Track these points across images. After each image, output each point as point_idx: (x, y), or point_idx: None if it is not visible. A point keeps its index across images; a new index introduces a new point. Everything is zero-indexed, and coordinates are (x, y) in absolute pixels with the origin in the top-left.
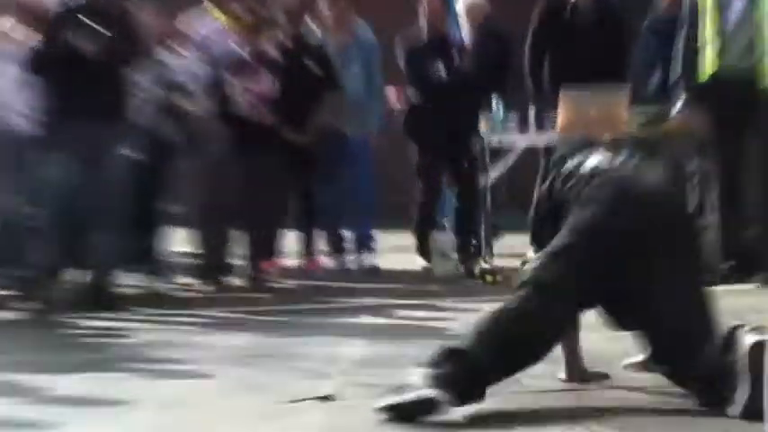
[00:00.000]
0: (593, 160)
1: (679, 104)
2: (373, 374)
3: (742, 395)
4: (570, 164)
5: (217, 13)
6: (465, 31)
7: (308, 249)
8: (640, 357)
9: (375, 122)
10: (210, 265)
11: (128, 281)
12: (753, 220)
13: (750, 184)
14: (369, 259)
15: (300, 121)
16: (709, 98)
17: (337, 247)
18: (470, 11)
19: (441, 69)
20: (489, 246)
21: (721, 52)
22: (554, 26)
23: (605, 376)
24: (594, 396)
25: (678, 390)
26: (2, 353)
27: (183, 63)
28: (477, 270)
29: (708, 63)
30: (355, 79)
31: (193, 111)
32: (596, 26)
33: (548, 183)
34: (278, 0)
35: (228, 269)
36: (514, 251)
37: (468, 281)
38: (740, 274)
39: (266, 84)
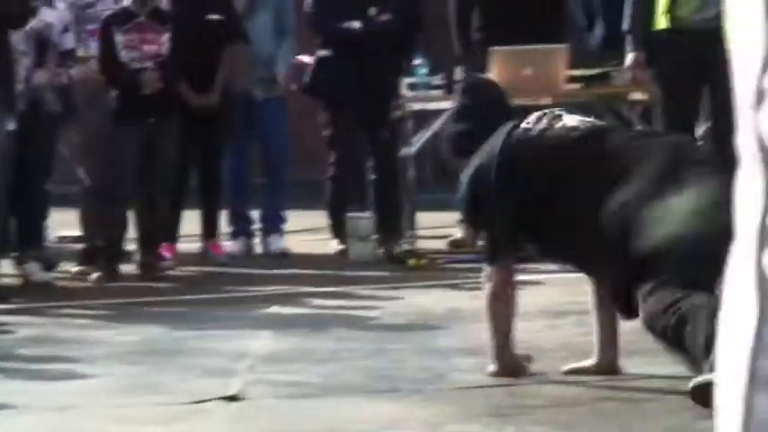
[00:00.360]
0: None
1: (627, 61)
2: (283, 371)
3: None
4: (530, 131)
5: None
6: None
7: (209, 231)
8: (586, 363)
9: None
10: (99, 250)
11: (6, 269)
12: None
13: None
14: (278, 242)
15: (201, 82)
16: (664, 54)
17: (243, 229)
18: None
19: (352, 23)
20: (412, 225)
21: (676, 1)
22: None
23: (529, 358)
24: (528, 392)
25: (615, 383)
26: None
27: (58, 15)
28: (398, 252)
29: (661, 13)
30: (264, 30)
31: (75, 73)
32: None
33: (497, 155)
34: None
35: (121, 255)
36: (440, 231)
37: (388, 265)
38: None
39: (158, 39)
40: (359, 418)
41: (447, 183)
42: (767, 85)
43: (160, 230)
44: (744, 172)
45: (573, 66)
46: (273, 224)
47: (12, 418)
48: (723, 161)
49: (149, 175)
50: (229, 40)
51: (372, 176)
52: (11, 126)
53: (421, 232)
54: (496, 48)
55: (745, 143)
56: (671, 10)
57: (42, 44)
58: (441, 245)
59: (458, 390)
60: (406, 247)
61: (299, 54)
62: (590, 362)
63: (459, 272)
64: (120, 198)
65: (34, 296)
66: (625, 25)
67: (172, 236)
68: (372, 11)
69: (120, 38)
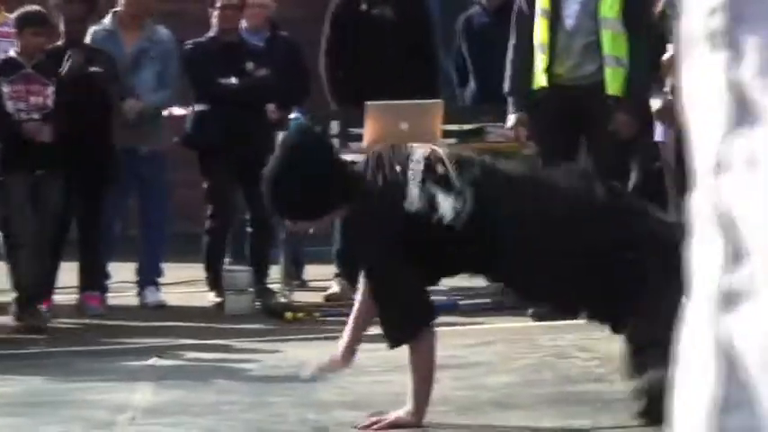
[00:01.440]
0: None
1: (509, 122)
2: (165, 424)
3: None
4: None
5: None
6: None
7: (86, 283)
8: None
9: (167, 135)
10: None
11: None
12: None
13: None
14: (154, 295)
15: (84, 135)
16: (543, 110)
17: (100, 283)
18: (250, 14)
19: (230, 79)
20: (290, 278)
21: (555, 60)
22: (348, 25)
23: None
24: None
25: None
26: None
27: None
28: (275, 305)
29: (539, 72)
30: (148, 86)
31: None
32: (395, 19)
33: (390, 213)
34: None
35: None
36: (318, 284)
37: (265, 318)
38: None
39: (44, 91)
40: None
41: (322, 236)
42: (726, 150)
43: (38, 282)
44: (699, 233)
45: (447, 122)
46: (150, 276)
47: None
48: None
49: (28, 227)
50: (117, 97)
51: (249, 229)
52: None
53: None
54: (371, 103)
55: (700, 206)
56: (549, 69)
57: None
58: (318, 297)
59: None
60: (282, 300)
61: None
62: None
63: (337, 325)
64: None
65: None
66: (506, 87)
67: (49, 287)
68: (250, 66)
69: (6, 89)
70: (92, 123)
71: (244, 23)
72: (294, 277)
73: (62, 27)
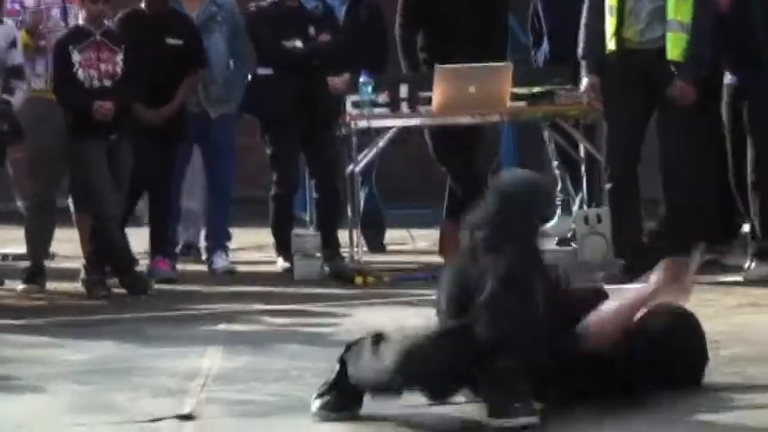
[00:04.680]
0: None
1: (583, 85)
2: (236, 390)
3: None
4: None
5: None
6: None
7: (158, 247)
8: None
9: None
10: (41, 267)
11: None
12: (649, 214)
13: (646, 174)
14: (223, 260)
15: (158, 101)
16: (612, 74)
17: (168, 249)
18: None
19: (294, 42)
20: (369, 243)
21: (624, 23)
22: None
23: None
24: None
25: None
26: None
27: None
28: (344, 270)
29: (609, 36)
30: (219, 52)
31: (23, 91)
32: None
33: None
34: None
35: (130, 266)
36: (396, 247)
37: (334, 282)
38: (631, 273)
39: (113, 58)
40: None
41: (392, 200)
42: None
43: (106, 248)
44: None
45: (518, 84)
46: (219, 242)
47: None
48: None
49: (99, 193)
50: (189, 65)
51: (315, 195)
52: None
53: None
54: (441, 66)
55: None
56: (618, 32)
57: None
58: (388, 259)
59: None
60: (352, 264)
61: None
62: None
63: (407, 288)
64: (105, 214)
65: None
66: (579, 51)
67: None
68: (311, 30)
69: (77, 57)
70: (164, 90)
71: None
72: (374, 242)
73: None
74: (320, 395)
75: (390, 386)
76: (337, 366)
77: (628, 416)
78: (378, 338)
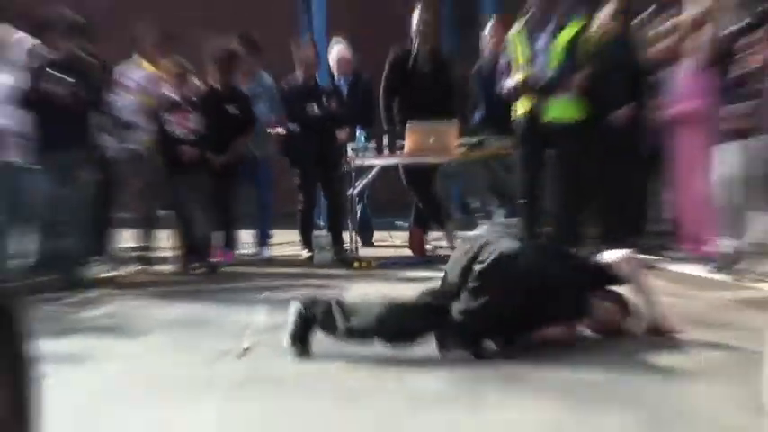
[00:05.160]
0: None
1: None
2: (276, 337)
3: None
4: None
5: (146, 64)
6: (336, 78)
7: (228, 243)
8: None
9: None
10: (150, 256)
11: (91, 269)
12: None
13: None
14: (266, 251)
15: (222, 148)
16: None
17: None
18: (341, 63)
19: (314, 108)
20: (362, 241)
21: (527, 88)
22: (402, 73)
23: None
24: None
25: None
26: None
27: (128, 104)
28: (347, 258)
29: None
30: (262, 113)
31: (136, 142)
32: (432, 73)
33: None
34: (210, 54)
35: (203, 254)
36: (379, 247)
37: (340, 267)
38: None
39: (194, 120)
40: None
41: (378, 212)
42: None
43: (195, 244)
44: None
45: (461, 136)
46: (263, 239)
47: (100, 365)
48: None
49: (186, 209)
50: (245, 126)
51: (328, 209)
52: (95, 176)
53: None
54: (410, 123)
55: None
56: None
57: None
58: (376, 253)
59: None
60: (352, 255)
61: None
62: None
63: (386, 270)
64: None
65: (110, 286)
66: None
67: (204, 247)
68: (324, 100)
69: (170, 119)
70: (227, 141)
71: (335, 71)
72: (366, 240)
73: (215, 74)
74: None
75: (366, 335)
76: (296, 317)
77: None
78: (340, 302)
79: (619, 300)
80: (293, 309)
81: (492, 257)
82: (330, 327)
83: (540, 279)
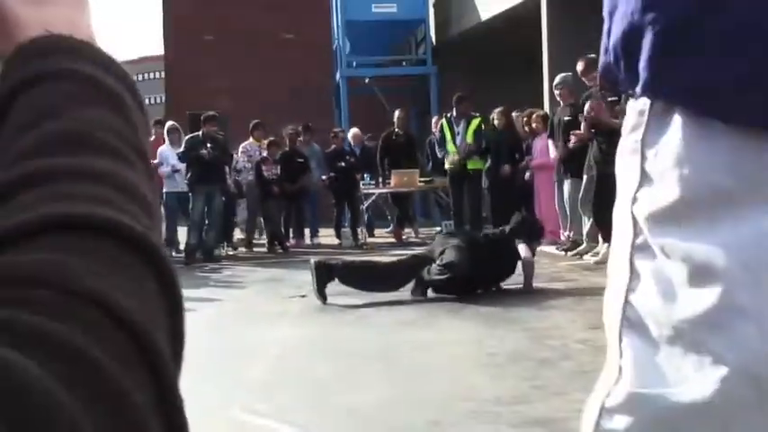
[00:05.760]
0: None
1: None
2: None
3: None
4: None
5: (254, 139)
6: (353, 146)
7: (297, 234)
8: None
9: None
10: (253, 242)
11: (221, 250)
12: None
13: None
14: (317, 239)
15: (293, 181)
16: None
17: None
18: (355, 138)
19: (342, 163)
20: (364, 234)
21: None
22: (388, 143)
23: None
24: None
25: None
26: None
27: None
28: (361, 244)
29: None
30: (314, 167)
31: (247, 180)
32: (405, 144)
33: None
34: (286, 133)
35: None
36: (378, 237)
37: (356, 248)
38: None
39: (275, 168)
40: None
41: (377, 218)
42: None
43: (279, 233)
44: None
45: (421, 176)
46: (314, 232)
47: (215, 303)
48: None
49: (273, 216)
50: (304, 171)
51: (349, 216)
52: (223, 198)
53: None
54: (394, 171)
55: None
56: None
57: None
58: (377, 241)
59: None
60: (362, 242)
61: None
62: None
63: (382, 251)
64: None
65: (236, 259)
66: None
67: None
68: (348, 158)
69: (264, 167)
70: (296, 179)
71: (350, 140)
72: (370, 233)
73: (287, 142)
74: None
75: (365, 279)
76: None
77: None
78: (348, 261)
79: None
80: (311, 264)
81: (452, 244)
82: (341, 274)
83: (478, 254)
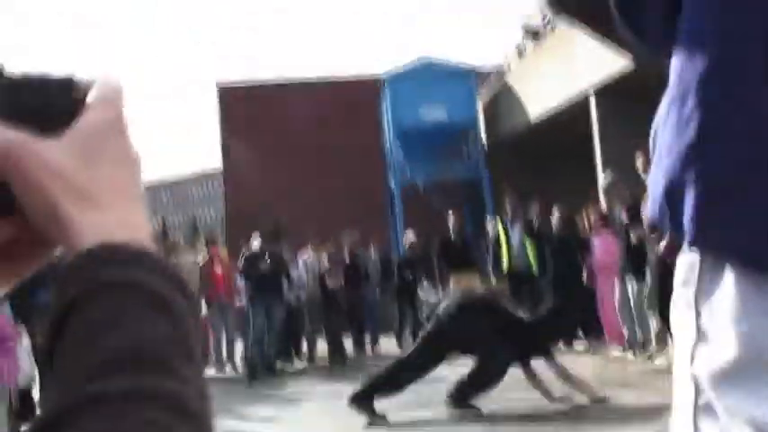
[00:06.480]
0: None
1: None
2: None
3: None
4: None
5: (312, 250)
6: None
7: (354, 344)
8: None
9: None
10: (311, 353)
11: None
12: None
13: None
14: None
15: (354, 291)
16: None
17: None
18: (408, 243)
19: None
20: None
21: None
22: (445, 247)
23: None
24: None
25: None
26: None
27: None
28: None
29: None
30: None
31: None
32: (460, 246)
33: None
34: (345, 241)
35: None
36: None
37: None
38: None
39: (337, 276)
40: None
41: None
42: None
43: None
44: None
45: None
46: (375, 340)
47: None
48: None
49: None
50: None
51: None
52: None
53: None
54: (453, 274)
55: None
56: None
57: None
58: None
59: None
60: None
61: None
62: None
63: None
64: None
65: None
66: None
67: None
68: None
69: (328, 279)
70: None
71: (406, 244)
72: None
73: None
74: None
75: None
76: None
77: None
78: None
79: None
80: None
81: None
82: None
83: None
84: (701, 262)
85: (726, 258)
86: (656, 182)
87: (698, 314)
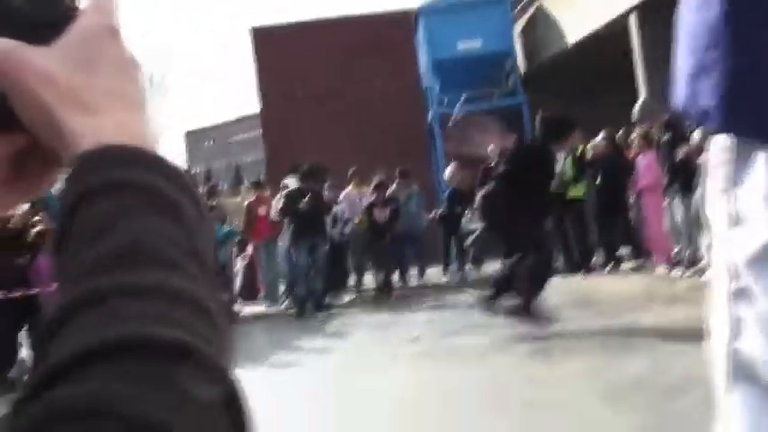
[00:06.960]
0: None
1: None
2: (430, 329)
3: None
4: None
5: (353, 187)
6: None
7: (400, 277)
8: None
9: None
10: (358, 287)
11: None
12: None
13: None
14: (421, 279)
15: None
16: None
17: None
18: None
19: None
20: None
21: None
22: (487, 175)
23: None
24: None
25: None
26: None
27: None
28: (467, 279)
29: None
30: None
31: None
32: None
33: None
34: (388, 175)
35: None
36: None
37: (463, 284)
38: None
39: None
40: None
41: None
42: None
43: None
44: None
45: None
46: (422, 273)
47: (327, 350)
48: None
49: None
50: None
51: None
52: (326, 249)
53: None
54: None
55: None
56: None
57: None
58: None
59: None
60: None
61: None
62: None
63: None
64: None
65: (337, 308)
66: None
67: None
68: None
69: (375, 211)
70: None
71: (447, 180)
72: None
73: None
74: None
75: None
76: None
77: None
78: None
79: None
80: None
81: None
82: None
83: None
84: (734, 144)
85: (757, 140)
86: (680, 68)
87: (732, 197)
